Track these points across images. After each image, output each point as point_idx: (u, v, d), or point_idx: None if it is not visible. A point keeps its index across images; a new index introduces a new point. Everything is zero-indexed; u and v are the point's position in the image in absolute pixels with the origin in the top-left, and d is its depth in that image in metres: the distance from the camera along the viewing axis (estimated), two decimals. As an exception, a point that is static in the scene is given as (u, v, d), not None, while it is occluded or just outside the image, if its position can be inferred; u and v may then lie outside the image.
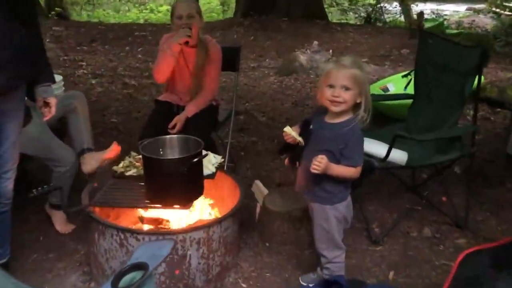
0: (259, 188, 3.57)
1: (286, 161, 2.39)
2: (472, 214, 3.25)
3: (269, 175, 3.93)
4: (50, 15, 12.22)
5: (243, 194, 2.68)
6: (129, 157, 2.81)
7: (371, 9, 14.08)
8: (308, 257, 2.88)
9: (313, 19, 10.87)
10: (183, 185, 2.32)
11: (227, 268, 2.65)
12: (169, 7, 13.77)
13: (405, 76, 5.27)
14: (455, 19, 13.59)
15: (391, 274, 2.74)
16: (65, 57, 7.74)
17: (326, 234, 2.36)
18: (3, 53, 2.12)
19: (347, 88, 2.16)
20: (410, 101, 3.49)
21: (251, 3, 11.34)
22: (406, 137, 2.74)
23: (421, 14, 10.01)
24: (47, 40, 8.53)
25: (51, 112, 2.95)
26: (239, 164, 4.09)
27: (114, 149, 2.99)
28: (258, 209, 3.34)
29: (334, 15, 14.46)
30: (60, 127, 3.21)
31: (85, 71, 7.00)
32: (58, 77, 5.11)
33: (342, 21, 13.40)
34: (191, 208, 2.44)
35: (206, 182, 2.59)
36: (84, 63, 7.44)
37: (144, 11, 16.30)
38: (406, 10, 13.37)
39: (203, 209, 2.82)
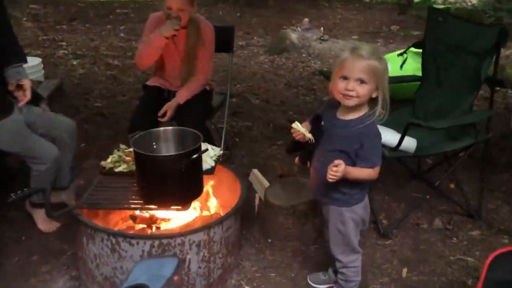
0: (257, 178, 3.35)
1: (297, 160, 2.15)
2: (483, 202, 3.08)
3: (267, 162, 3.71)
4: (26, -8, 11.65)
5: (244, 190, 2.46)
6: (118, 150, 2.55)
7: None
8: (315, 253, 2.69)
9: (300, -5, 10.53)
10: (180, 184, 2.09)
11: (229, 269, 2.45)
12: (151, -17, 13.26)
13: (401, 54, 5.04)
14: (442, -6, 13.35)
15: (404, 272, 2.56)
16: (44, 37, 7.33)
17: (342, 238, 2.15)
18: None
19: (362, 81, 1.92)
20: (414, 83, 3.28)
21: (236, -22, 10.94)
22: (421, 126, 2.52)
23: (410, -12, 9.74)
24: (24, 19, 8.10)
25: (26, 96, 2.69)
26: (234, 151, 3.86)
27: None
28: (257, 200, 3.13)
29: (320, -10, 14.08)
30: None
31: (65, 52, 6.62)
32: (36, 60, 4.82)
33: (329, -4, 13.06)
34: (189, 208, 2.20)
35: (204, 177, 2.36)
36: (64, 43, 7.05)
37: (125, -13, 15.70)
38: (394, -15, 13.08)
39: (202, 206, 2.59)
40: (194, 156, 2.04)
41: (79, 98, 4.98)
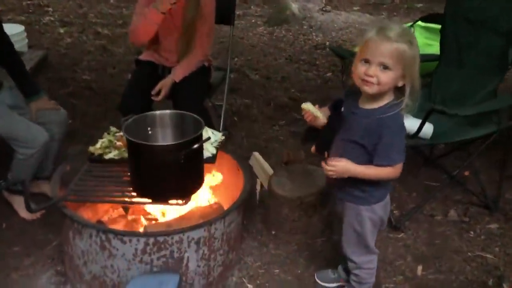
0: (259, 162, 3.13)
1: (313, 149, 1.91)
2: (501, 192, 2.88)
3: (268, 145, 3.47)
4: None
5: (248, 180, 2.22)
6: (108, 134, 2.29)
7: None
8: (322, 247, 2.48)
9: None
10: (179, 176, 1.85)
11: (230, 266, 2.24)
12: None
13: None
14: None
15: (419, 270, 2.37)
16: (28, 1, 6.92)
17: (358, 238, 1.94)
18: None
19: (386, 67, 1.66)
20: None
21: None
22: (446, 113, 2.28)
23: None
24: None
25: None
26: (233, 131, 3.61)
27: None
28: (258, 187, 2.91)
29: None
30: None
31: (51, 18, 6.24)
32: (19, 27, 4.48)
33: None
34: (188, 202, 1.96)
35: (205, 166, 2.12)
36: (50, 9, 6.65)
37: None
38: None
39: (200, 195, 2.36)
40: (195, 146, 1.80)
41: (66, 69, 4.66)
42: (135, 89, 2.84)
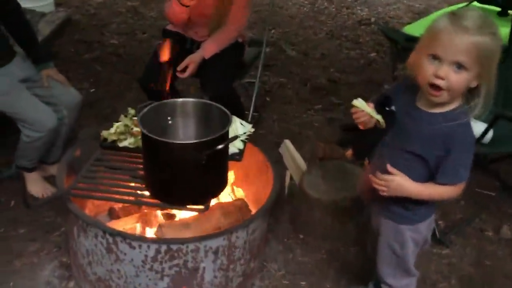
0: (290, 151, 2.84)
1: (349, 153, 1.61)
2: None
3: (301, 131, 3.17)
4: None
5: (277, 181, 1.94)
6: (126, 116, 2.04)
7: None
8: (356, 257, 2.22)
9: None
10: (199, 178, 1.58)
11: (251, 275, 2.00)
12: None
13: (464, 9, 4.32)
14: None
15: (464, 295, 2.08)
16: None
17: (396, 259, 1.66)
18: None
19: (461, 66, 1.34)
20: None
21: None
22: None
23: None
24: None
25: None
26: (264, 113, 3.32)
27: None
28: (287, 179, 2.64)
29: None
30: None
31: (83, -25, 5.98)
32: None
33: None
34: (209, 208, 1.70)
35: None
36: (82, -35, 6.38)
37: None
38: None
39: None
40: (220, 146, 1.52)
41: (94, 32, 4.42)
42: (159, 63, 2.56)
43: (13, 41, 2.37)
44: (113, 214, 2.09)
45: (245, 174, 2.25)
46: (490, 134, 2.25)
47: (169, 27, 2.68)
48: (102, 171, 1.83)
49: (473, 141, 1.47)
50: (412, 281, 1.76)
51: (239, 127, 2.01)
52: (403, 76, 1.51)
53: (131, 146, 1.89)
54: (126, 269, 1.72)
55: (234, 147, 1.91)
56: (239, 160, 1.88)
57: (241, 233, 1.78)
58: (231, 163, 1.86)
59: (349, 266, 2.17)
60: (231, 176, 2.15)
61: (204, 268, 1.74)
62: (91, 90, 3.48)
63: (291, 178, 2.70)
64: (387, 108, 1.49)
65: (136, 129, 1.96)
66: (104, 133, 1.93)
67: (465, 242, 2.35)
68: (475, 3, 4.07)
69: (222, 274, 1.81)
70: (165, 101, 1.72)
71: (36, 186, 2.48)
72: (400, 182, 1.47)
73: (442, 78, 1.36)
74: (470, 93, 1.43)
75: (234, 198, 2.19)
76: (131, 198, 1.72)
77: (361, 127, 1.55)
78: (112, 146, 1.91)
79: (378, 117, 1.51)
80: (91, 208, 2.11)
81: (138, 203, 1.74)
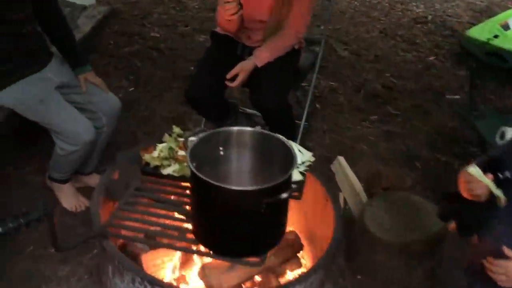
0: (344, 170, 2.59)
1: (452, 226, 1.33)
2: None
3: (355, 146, 2.89)
4: None
5: (339, 221, 1.68)
6: (170, 136, 1.80)
7: None
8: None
9: None
10: (256, 228, 1.34)
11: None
12: None
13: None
14: None
15: None
16: None
17: None
18: None
19: None
20: None
21: None
22: None
23: None
24: None
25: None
26: (314, 122, 3.04)
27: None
28: (341, 200, 2.39)
29: None
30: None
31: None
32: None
33: None
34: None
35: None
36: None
37: None
38: None
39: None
40: (284, 195, 1.27)
41: (134, 23, 4.20)
42: (207, 72, 2.32)
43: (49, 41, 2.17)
44: (150, 239, 1.88)
45: (296, 201, 1.99)
46: None
47: (218, 29, 2.42)
48: (143, 204, 1.60)
49: None
50: None
51: (297, 155, 1.75)
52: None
53: (176, 175, 1.66)
54: (166, 320, 1.50)
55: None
56: (298, 198, 1.62)
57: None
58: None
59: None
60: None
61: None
62: (130, 89, 3.27)
63: (345, 202, 2.45)
64: (500, 175, 1.21)
65: (181, 153, 1.73)
66: (146, 157, 1.70)
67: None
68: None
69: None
70: (219, 130, 1.48)
71: (68, 199, 2.30)
72: None
73: None
74: None
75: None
76: (173, 242, 1.49)
77: (472, 198, 1.26)
78: (154, 172, 1.68)
79: (498, 192, 1.22)
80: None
81: (186, 251, 1.51)
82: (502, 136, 2.25)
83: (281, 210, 1.39)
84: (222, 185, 1.26)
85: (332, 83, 3.51)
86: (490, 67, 1.97)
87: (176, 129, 1.84)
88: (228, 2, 2.04)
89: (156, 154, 1.71)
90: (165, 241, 1.52)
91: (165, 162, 1.68)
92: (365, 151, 2.84)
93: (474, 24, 4.45)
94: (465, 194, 1.26)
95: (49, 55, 2.12)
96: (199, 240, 1.42)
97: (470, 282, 1.43)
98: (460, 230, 1.30)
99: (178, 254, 1.74)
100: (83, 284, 1.95)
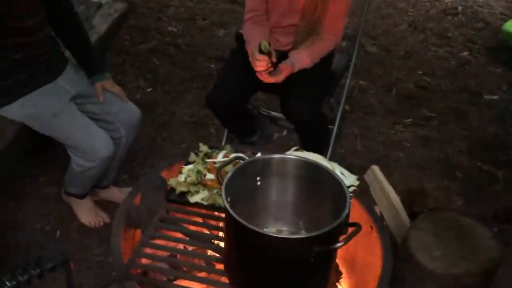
0: (378, 180, 2.38)
1: None
2: None
3: (389, 153, 2.69)
4: None
5: (388, 263, 1.49)
6: (197, 155, 1.63)
7: None
8: None
9: None
10: (301, 278, 1.16)
11: None
12: None
13: None
14: None
15: None
16: None
17: None
18: None
19: None
20: None
21: None
22: None
23: None
24: None
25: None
26: (344, 126, 2.84)
27: None
28: (377, 212, 2.20)
29: None
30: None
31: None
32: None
33: None
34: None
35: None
36: None
37: None
38: None
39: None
40: (339, 245, 1.09)
41: (151, 16, 4.01)
42: (230, 77, 2.13)
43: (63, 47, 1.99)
44: (174, 264, 1.71)
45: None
46: None
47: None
48: (168, 238, 1.43)
49: None
50: None
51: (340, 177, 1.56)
52: None
53: (204, 203, 1.48)
54: None
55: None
56: (345, 236, 1.43)
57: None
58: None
59: None
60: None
61: None
62: (148, 90, 3.09)
63: (381, 215, 2.26)
64: None
65: (209, 176, 1.55)
66: (172, 182, 1.53)
67: None
68: None
69: None
70: (257, 158, 1.30)
71: (86, 214, 2.16)
72: None
73: None
74: None
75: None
76: (206, 287, 1.32)
77: None
78: (181, 201, 1.50)
79: None
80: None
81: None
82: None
83: (332, 257, 1.21)
84: (266, 233, 1.09)
85: (361, 82, 3.30)
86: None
87: (203, 148, 1.66)
88: (259, 60, 1.87)
89: (182, 178, 1.53)
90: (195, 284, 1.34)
91: (193, 188, 1.51)
92: (400, 159, 2.65)
93: (507, 15, 4.19)
94: None
95: (64, 62, 1.94)
96: (233, 285, 1.25)
97: None
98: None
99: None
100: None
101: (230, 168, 1.28)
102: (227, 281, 1.27)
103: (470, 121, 2.96)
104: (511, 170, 2.57)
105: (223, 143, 2.36)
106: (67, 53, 2.02)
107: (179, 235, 1.44)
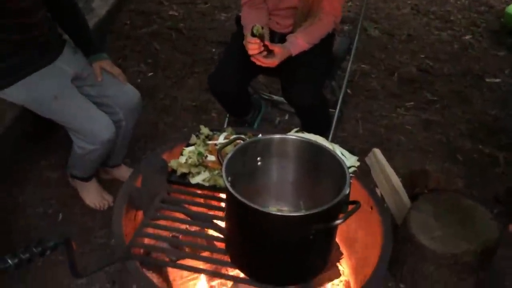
0: (380, 163, 2.40)
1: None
2: None
3: (390, 137, 2.69)
4: None
5: (388, 244, 1.49)
6: (198, 137, 1.63)
7: None
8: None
9: None
10: (301, 256, 1.17)
11: None
12: None
13: None
14: None
15: None
16: None
17: None
18: None
19: None
20: None
21: None
22: None
23: None
24: None
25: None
26: (346, 110, 2.84)
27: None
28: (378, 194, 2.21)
29: None
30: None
31: None
32: None
33: None
34: None
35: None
36: None
37: None
38: None
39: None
40: (338, 222, 1.09)
41: (152, 0, 3.98)
42: (231, 61, 2.13)
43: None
44: (176, 244, 1.72)
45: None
46: None
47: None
48: (169, 219, 1.44)
49: None
50: None
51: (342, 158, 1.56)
52: None
53: (205, 184, 1.49)
54: None
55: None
56: (345, 215, 1.44)
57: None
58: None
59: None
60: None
61: None
62: (149, 74, 3.09)
63: (382, 197, 2.27)
64: None
65: (210, 158, 1.55)
66: (173, 163, 1.53)
67: None
68: None
69: None
70: (257, 138, 1.30)
71: (92, 197, 2.16)
72: None
73: None
74: None
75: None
76: (205, 266, 1.33)
77: None
78: (182, 182, 1.51)
79: None
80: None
81: (220, 276, 1.35)
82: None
83: (332, 235, 1.21)
84: (266, 211, 1.09)
85: (363, 65, 3.29)
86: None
87: (204, 130, 1.66)
88: (250, 43, 1.86)
89: (183, 160, 1.54)
90: (197, 263, 1.35)
91: (194, 170, 1.51)
92: (402, 142, 2.65)
93: (512, -1, 4.16)
94: None
95: (62, 43, 1.94)
96: (234, 264, 1.26)
97: None
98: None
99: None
100: (105, 295, 1.82)
101: (230, 149, 1.28)
102: (228, 259, 1.28)
103: (472, 105, 2.95)
104: (512, 153, 2.57)
105: (224, 127, 2.37)
106: (65, 36, 2.01)
107: (180, 215, 1.45)
